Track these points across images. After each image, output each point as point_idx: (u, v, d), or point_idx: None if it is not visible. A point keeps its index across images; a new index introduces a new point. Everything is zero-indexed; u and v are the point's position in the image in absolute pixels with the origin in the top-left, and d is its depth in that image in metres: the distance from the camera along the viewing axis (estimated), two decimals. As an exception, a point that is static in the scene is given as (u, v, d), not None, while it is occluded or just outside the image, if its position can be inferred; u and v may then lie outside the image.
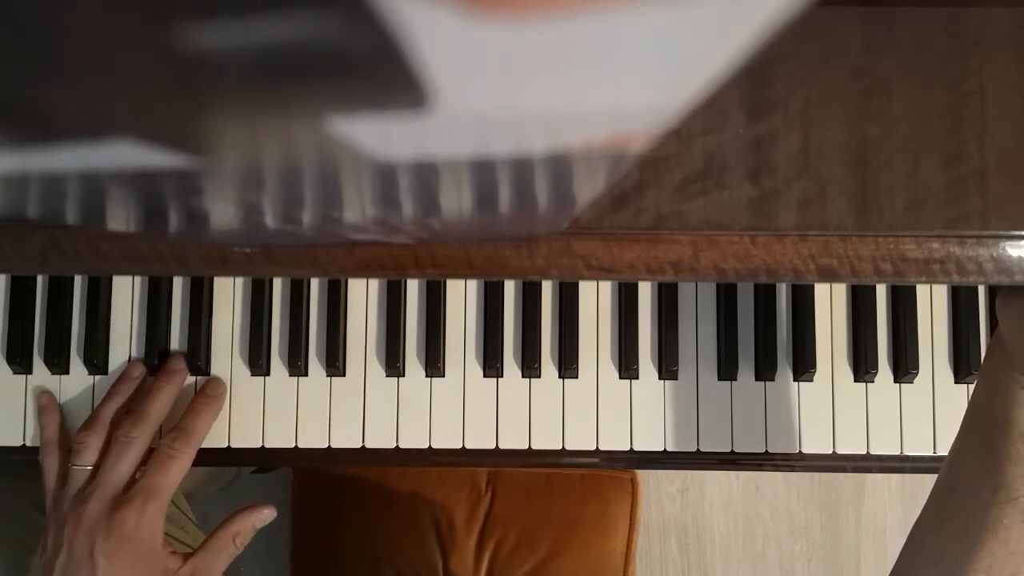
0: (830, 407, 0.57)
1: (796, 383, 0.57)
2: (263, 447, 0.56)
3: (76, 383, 0.57)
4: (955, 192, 0.40)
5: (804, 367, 0.57)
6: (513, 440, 0.56)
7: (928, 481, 0.45)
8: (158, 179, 0.18)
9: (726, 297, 0.57)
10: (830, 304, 0.58)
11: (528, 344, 0.57)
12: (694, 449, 0.57)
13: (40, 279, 0.57)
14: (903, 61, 0.40)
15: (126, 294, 0.57)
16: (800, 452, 0.57)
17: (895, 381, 0.57)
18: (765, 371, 0.57)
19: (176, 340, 0.57)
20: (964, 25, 0.39)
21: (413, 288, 0.58)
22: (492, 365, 0.56)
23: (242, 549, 0.54)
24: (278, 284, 0.58)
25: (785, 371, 0.57)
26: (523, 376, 0.57)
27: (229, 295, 0.57)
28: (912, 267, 0.42)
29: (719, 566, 1.23)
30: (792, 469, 0.57)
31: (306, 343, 0.57)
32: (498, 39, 0.09)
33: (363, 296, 0.57)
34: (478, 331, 0.57)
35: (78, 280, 0.57)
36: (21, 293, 0.57)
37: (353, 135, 0.14)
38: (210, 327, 0.57)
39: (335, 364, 0.56)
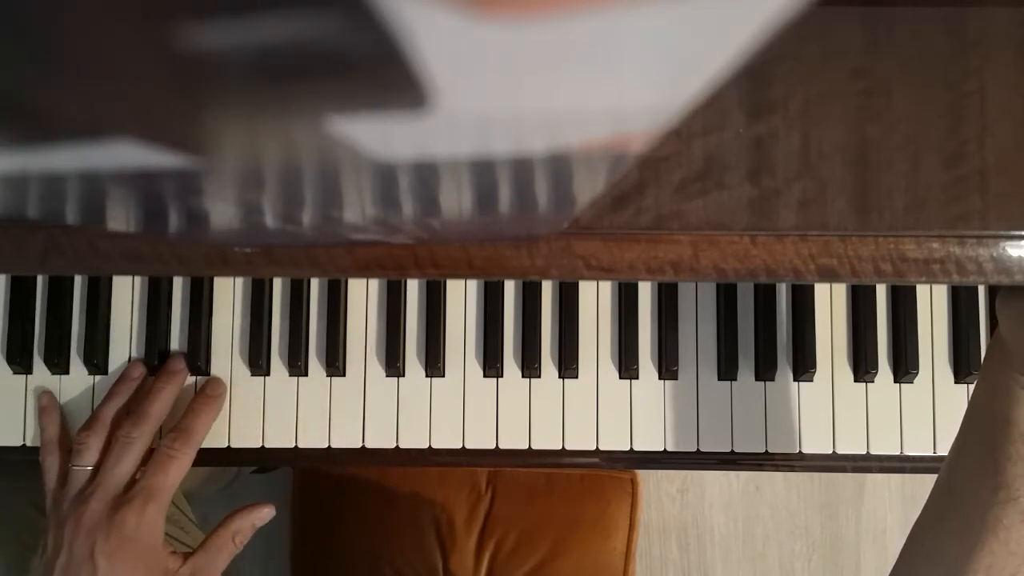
0: (830, 407, 0.57)
1: (796, 383, 0.57)
2: (263, 447, 0.56)
3: (76, 383, 0.57)
4: (955, 192, 0.40)
5: (804, 367, 0.57)
6: (513, 440, 0.56)
7: (928, 481, 0.45)
8: (158, 179, 0.18)
9: (726, 297, 0.57)
10: (830, 304, 0.58)
11: (528, 344, 0.57)
12: (694, 449, 0.57)
13: (40, 279, 0.57)
14: (903, 61, 0.40)
15: (126, 294, 0.57)
16: (800, 452, 0.57)
17: (895, 381, 0.57)
18: (765, 371, 0.57)
19: (176, 340, 0.57)
20: (964, 25, 0.39)
21: (413, 288, 0.58)
22: (492, 365, 0.56)
23: (242, 548, 0.54)
24: (278, 284, 0.58)
25: (785, 371, 0.57)
26: (523, 376, 0.57)
27: (229, 295, 0.57)
28: (912, 267, 0.42)
29: (719, 566, 1.23)
30: (792, 469, 0.57)
31: (306, 343, 0.57)
32: (498, 39, 0.09)
33: (363, 296, 0.57)
34: (478, 331, 0.57)
35: (78, 280, 0.57)
36: (21, 293, 0.57)
37: (353, 135, 0.14)
38: (210, 327, 0.57)
39: (335, 364, 0.56)
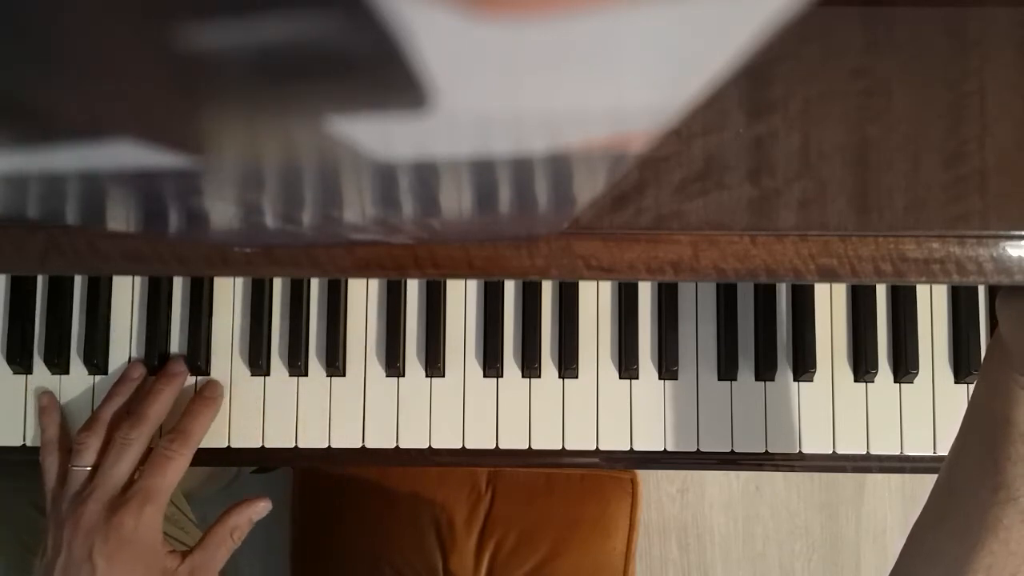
0: (830, 407, 0.57)
1: (796, 383, 0.57)
2: (263, 447, 0.56)
3: (76, 383, 0.57)
4: (955, 192, 0.40)
5: (804, 367, 0.57)
6: (513, 440, 0.56)
7: (928, 481, 0.45)
8: (158, 179, 0.18)
9: (726, 297, 0.57)
10: (830, 304, 0.58)
11: (528, 344, 0.57)
12: (694, 449, 0.57)
13: (40, 279, 0.57)
14: (903, 61, 0.40)
15: (126, 294, 0.57)
16: (800, 452, 0.57)
17: (895, 381, 0.57)
18: (765, 371, 0.57)
19: (176, 340, 0.57)
20: (964, 25, 0.39)
21: (413, 288, 0.58)
22: (492, 365, 0.56)
23: (240, 543, 0.54)
24: (278, 284, 0.58)
25: (785, 371, 0.57)
26: (523, 376, 0.57)
27: (229, 295, 0.57)
28: (912, 267, 0.42)
29: (719, 566, 1.23)
30: (792, 469, 0.57)
31: (306, 343, 0.57)
32: (498, 39, 0.09)
33: (363, 296, 0.57)
34: (478, 331, 0.57)
35: (78, 280, 0.57)
36: (21, 293, 0.57)
37: (353, 135, 0.14)
38: (210, 327, 0.57)
39: (335, 364, 0.56)
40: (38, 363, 0.57)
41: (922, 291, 0.57)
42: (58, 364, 0.56)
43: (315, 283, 0.58)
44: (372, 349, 0.57)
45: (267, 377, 0.57)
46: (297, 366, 0.56)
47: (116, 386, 0.55)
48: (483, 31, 0.09)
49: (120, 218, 0.28)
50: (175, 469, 0.51)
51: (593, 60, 0.11)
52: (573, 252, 0.43)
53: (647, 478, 1.17)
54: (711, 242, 0.42)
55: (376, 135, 0.14)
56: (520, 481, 0.76)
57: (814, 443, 0.57)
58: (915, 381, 0.57)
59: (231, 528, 0.53)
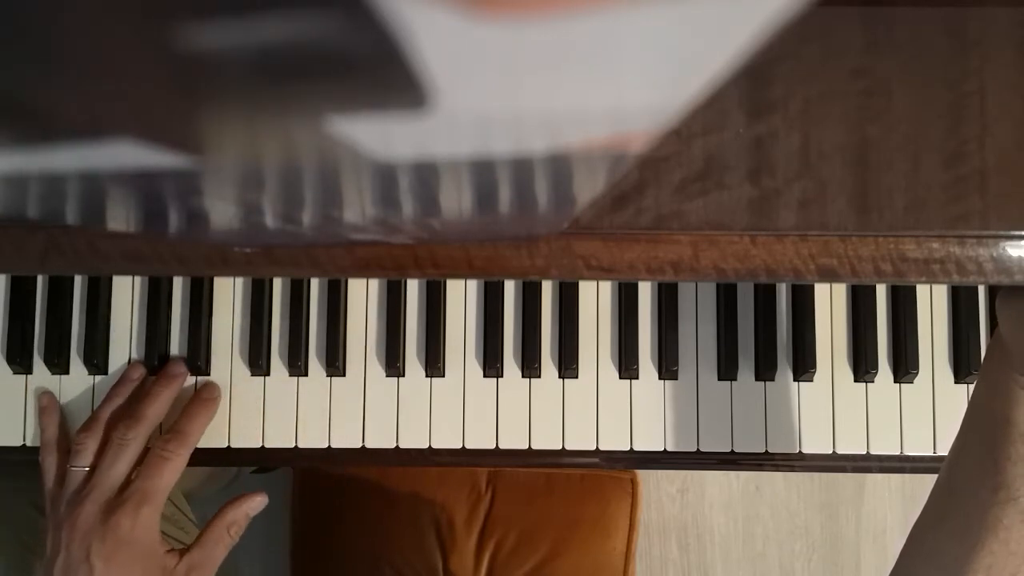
0: (830, 407, 0.57)
1: (796, 383, 0.57)
2: (263, 447, 0.56)
3: (76, 383, 0.57)
4: (955, 192, 0.40)
5: (804, 367, 0.57)
6: (513, 440, 0.56)
7: (928, 481, 0.45)
8: (158, 179, 0.18)
9: (726, 297, 0.57)
10: (830, 304, 0.58)
11: (528, 344, 0.57)
12: (694, 449, 0.57)
13: (40, 279, 0.57)
14: (903, 61, 0.40)
15: (126, 294, 0.57)
16: (800, 452, 0.57)
17: (895, 381, 0.57)
18: (765, 371, 0.57)
19: (176, 340, 0.57)
20: (964, 25, 0.39)
21: (413, 288, 0.58)
22: (492, 365, 0.56)
23: (237, 539, 0.54)
24: (278, 284, 0.58)
25: (785, 371, 0.57)
26: (523, 376, 0.57)
27: (229, 295, 0.57)
28: (912, 267, 0.42)
29: (719, 566, 1.23)
30: (792, 469, 0.57)
31: (306, 343, 0.57)
32: (498, 39, 0.09)
33: (363, 296, 0.57)
34: (478, 331, 0.57)
35: (78, 280, 0.57)
36: (21, 293, 0.57)
37: (353, 135, 0.14)
38: (210, 327, 0.57)
39: (335, 364, 0.56)
40: (38, 363, 0.57)
41: (922, 291, 0.57)
42: (58, 364, 0.56)
43: (315, 283, 0.58)
44: (372, 349, 0.57)
45: (267, 377, 0.57)
46: (297, 366, 0.56)
47: (116, 387, 0.55)
48: (483, 31, 0.09)
49: (120, 218, 0.28)
50: (172, 470, 0.51)
51: (593, 60, 0.11)
52: (573, 252, 0.43)
53: (647, 478, 1.17)
54: (711, 242, 0.42)
55: (376, 135, 0.14)
56: (520, 481, 0.76)
57: (814, 443, 0.57)
58: (915, 381, 0.57)
59: (228, 524, 0.53)
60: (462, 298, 0.58)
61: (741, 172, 0.40)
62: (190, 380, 0.56)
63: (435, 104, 0.12)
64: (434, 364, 0.56)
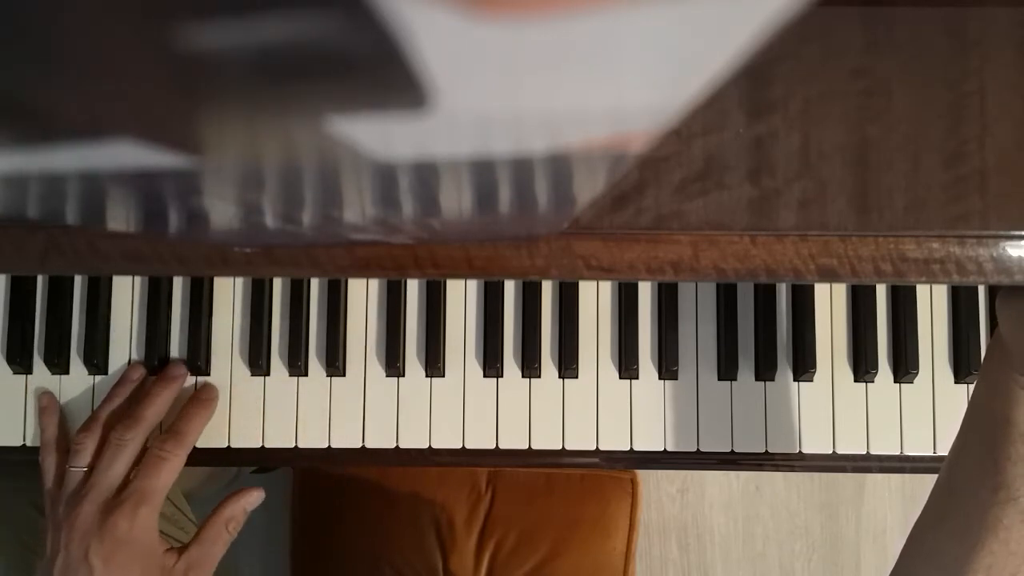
0: (830, 407, 0.57)
1: (796, 383, 0.57)
2: (263, 447, 0.56)
3: (76, 383, 0.57)
4: (955, 192, 0.40)
5: (804, 367, 0.57)
6: (513, 440, 0.56)
7: (928, 481, 0.45)
8: (158, 179, 0.18)
9: (726, 297, 0.57)
10: (830, 304, 0.58)
11: (528, 344, 0.57)
12: (694, 449, 0.57)
13: (40, 279, 0.57)
14: (903, 61, 0.40)
15: (126, 294, 0.57)
16: (800, 452, 0.57)
17: (895, 381, 0.57)
18: (765, 371, 0.57)
19: (176, 340, 0.57)
20: (964, 25, 0.39)
21: (413, 288, 0.58)
22: (492, 365, 0.56)
23: (236, 535, 0.53)
24: (278, 284, 0.58)
25: (785, 371, 0.57)
26: (523, 376, 0.57)
27: (229, 295, 0.57)
28: (912, 267, 0.42)
29: (719, 566, 1.23)
30: (792, 469, 0.57)
31: (306, 343, 0.57)
32: (498, 39, 0.09)
33: (363, 296, 0.57)
34: (478, 331, 0.57)
35: (78, 280, 0.57)
36: (21, 293, 0.57)
37: (353, 135, 0.14)
38: (210, 327, 0.57)
39: (335, 364, 0.56)
40: (38, 363, 0.57)
41: (922, 291, 0.57)
42: (58, 364, 0.56)
43: (315, 283, 0.58)
44: (372, 349, 0.57)
45: (267, 377, 0.57)
46: (297, 366, 0.56)
47: (116, 387, 0.55)
48: (483, 31, 0.09)
49: (120, 218, 0.28)
50: (169, 470, 0.51)
51: (593, 60, 0.11)
52: (573, 252, 0.43)
53: (647, 478, 1.17)
54: (711, 242, 0.42)
55: (376, 135, 0.14)
56: (520, 481, 0.76)
57: (814, 443, 0.57)
58: (915, 381, 0.57)
59: (226, 520, 0.53)
60: (462, 298, 0.58)
61: (741, 172, 0.40)
62: (190, 380, 0.56)
63: (435, 104, 0.12)
64: (434, 364, 0.56)
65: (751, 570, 1.23)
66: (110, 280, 0.57)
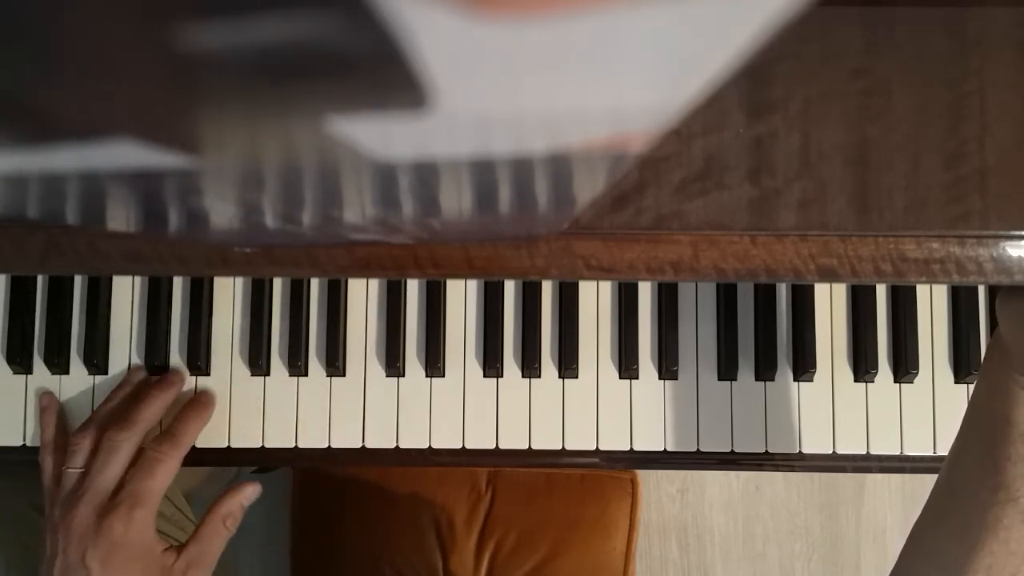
0: (830, 407, 0.57)
1: (796, 383, 0.57)
2: (263, 447, 0.56)
3: (76, 383, 0.57)
4: (955, 192, 0.40)
5: (804, 367, 0.57)
6: (513, 440, 0.56)
7: (928, 481, 0.45)
8: (158, 179, 0.18)
9: (726, 297, 0.57)
10: (830, 304, 0.58)
11: (528, 344, 0.57)
12: (694, 449, 0.57)
13: (40, 279, 0.57)
14: (903, 61, 0.40)
15: (126, 294, 0.57)
16: (800, 452, 0.57)
17: (895, 381, 0.57)
18: (765, 371, 0.57)
19: (176, 340, 0.57)
20: (964, 25, 0.39)
21: (413, 288, 0.58)
22: (492, 365, 0.56)
23: (234, 530, 0.53)
24: (278, 284, 0.58)
25: (785, 371, 0.57)
26: (523, 376, 0.57)
27: (229, 295, 0.57)
28: (912, 267, 0.42)
29: (719, 566, 1.23)
30: (792, 469, 0.57)
31: (306, 343, 0.57)
32: (498, 39, 0.09)
33: (363, 296, 0.57)
34: (478, 331, 0.57)
35: (78, 280, 0.57)
36: (21, 293, 0.57)
37: (353, 135, 0.14)
38: (210, 327, 0.57)
39: (335, 364, 0.56)
40: (38, 363, 0.57)
41: (922, 291, 0.57)
42: (58, 364, 0.56)
43: (315, 283, 0.58)
44: (372, 349, 0.57)
45: (267, 377, 0.57)
46: (297, 366, 0.56)
47: (115, 390, 0.55)
48: (483, 31, 0.09)
49: (120, 218, 0.28)
50: (164, 472, 0.51)
51: (593, 60, 0.11)
52: (573, 252, 0.43)
53: (647, 478, 1.17)
54: (711, 242, 0.42)
55: (376, 135, 0.14)
56: (520, 481, 0.76)
57: (814, 443, 0.57)
58: (915, 381, 0.57)
59: (223, 516, 0.53)
60: (462, 298, 0.58)
61: (741, 172, 0.40)
62: (189, 384, 0.56)
63: (435, 104, 0.12)
64: (434, 364, 0.56)
65: (751, 570, 1.23)
66: (110, 280, 0.57)
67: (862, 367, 0.56)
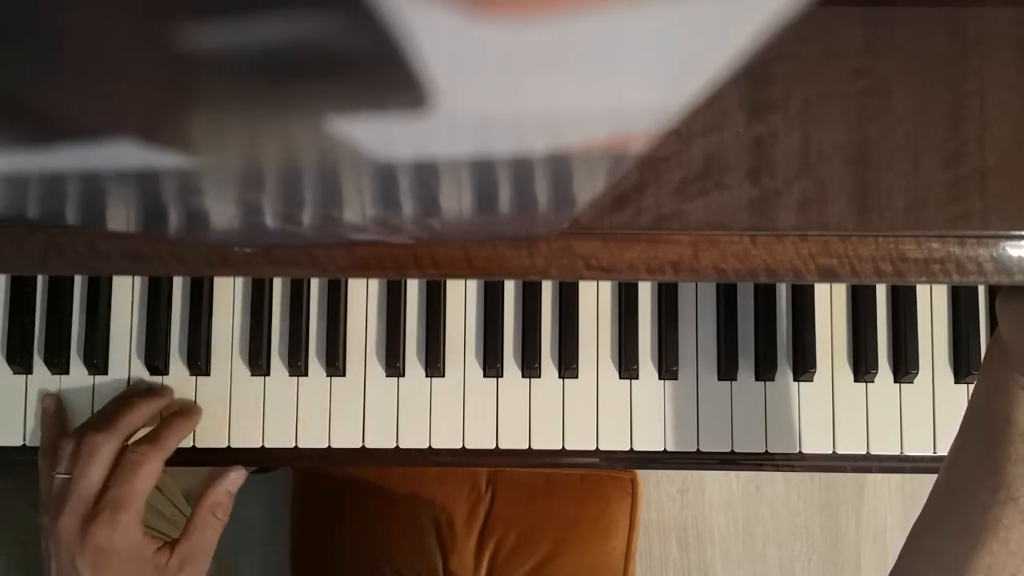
0: (830, 407, 0.57)
1: (796, 383, 0.57)
2: (263, 447, 0.56)
3: (76, 383, 0.57)
4: (955, 192, 0.40)
5: (804, 367, 0.57)
6: (513, 440, 0.56)
7: (928, 481, 0.45)
8: (158, 179, 0.18)
9: (726, 297, 0.57)
10: (830, 304, 0.58)
11: (528, 344, 0.57)
12: (694, 449, 0.57)
13: (40, 279, 0.57)
14: (903, 61, 0.40)
15: (126, 294, 0.57)
16: (800, 452, 0.57)
17: (895, 381, 0.57)
18: (765, 371, 0.57)
19: (176, 340, 0.57)
20: (964, 25, 0.39)
21: (413, 288, 0.58)
22: (492, 365, 0.56)
23: (226, 519, 0.53)
24: (278, 284, 0.58)
25: (785, 371, 0.57)
26: (523, 376, 0.57)
27: (229, 295, 0.57)
28: (912, 267, 0.42)
29: (719, 566, 1.23)
30: (792, 469, 0.57)
31: (306, 343, 0.57)
32: (498, 39, 0.09)
33: (363, 296, 0.57)
34: (478, 331, 0.57)
35: (78, 280, 0.57)
36: (21, 293, 0.57)
37: (353, 135, 0.14)
38: (210, 327, 0.57)
39: (335, 364, 0.56)
40: (38, 363, 0.57)
41: (922, 291, 0.57)
42: (58, 364, 0.56)
43: (315, 283, 0.58)
44: (372, 349, 0.57)
45: (267, 377, 0.57)
46: (297, 366, 0.56)
47: (111, 400, 0.55)
48: (483, 31, 0.09)
49: (120, 218, 0.28)
50: (145, 474, 0.50)
51: (593, 60, 0.11)
52: (573, 252, 0.43)
53: (647, 478, 1.17)
54: (711, 242, 0.42)
55: (376, 135, 0.14)
56: (520, 481, 0.76)
57: (814, 443, 0.57)
58: (915, 381, 0.57)
59: (211, 507, 0.52)
60: (462, 298, 0.58)
61: (741, 172, 0.40)
62: (190, 382, 0.56)
63: (435, 104, 0.12)
64: (434, 364, 0.56)
65: (751, 570, 1.23)
66: (110, 280, 0.57)
67: (862, 367, 0.56)
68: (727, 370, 0.57)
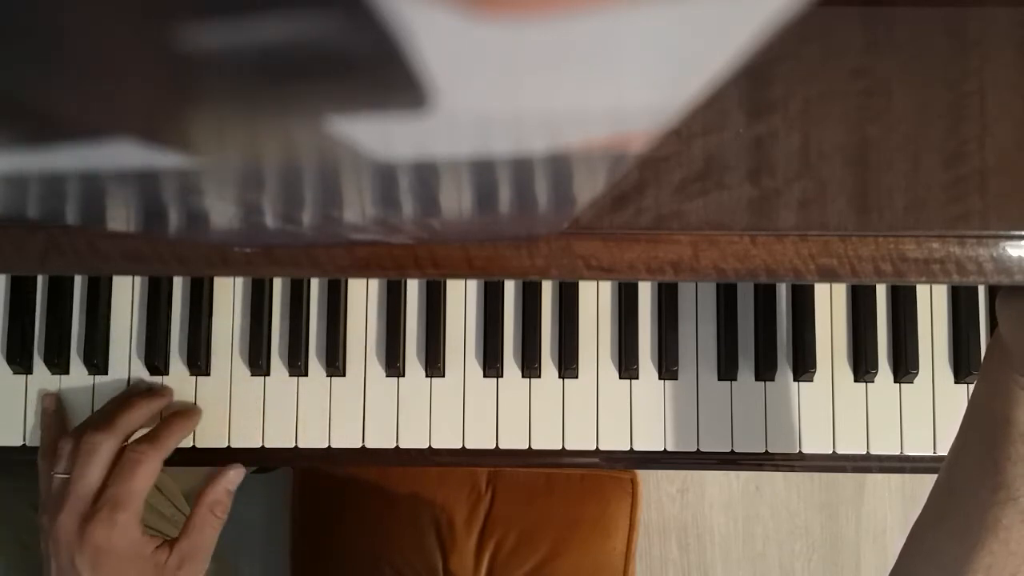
0: (830, 407, 0.57)
1: (796, 383, 0.57)
2: (263, 447, 0.56)
3: (76, 383, 0.57)
4: (955, 192, 0.40)
5: (804, 367, 0.57)
6: (513, 440, 0.56)
7: (928, 481, 0.45)
8: (158, 179, 0.18)
9: (726, 297, 0.57)
10: (830, 304, 0.58)
11: (528, 344, 0.57)
12: (694, 449, 0.57)
13: (40, 279, 0.57)
14: (903, 61, 0.40)
15: (126, 294, 0.57)
16: (800, 452, 0.57)
17: (895, 381, 0.57)
18: (765, 371, 0.57)
19: (176, 340, 0.57)
20: (964, 25, 0.39)
21: (413, 288, 0.58)
22: (492, 365, 0.56)
23: (225, 517, 0.53)
24: (278, 284, 0.58)
25: (785, 371, 0.57)
26: (523, 376, 0.57)
27: (229, 295, 0.57)
28: (912, 267, 0.42)
29: (719, 566, 1.23)
30: (792, 469, 0.57)
31: (306, 343, 0.57)
32: (498, 39, 0.09)
33: (363, 296, 0.57)
34: (478, 331, 0.57)
35: (78, 280, 0.57)
36: (21, 293, 0.57)
37: (353, 135, 0.14)
38: (210, 327, 0.57)
39: (335, 364, 0.56)
40: (38, 363, 0.57)
41: (922, 291, 0.57)
42: (58, 364, 0.56)
43: (315, 283, 0.58)
44: (372, 349, 0.57)
45: (267, 377, 0.57)
46: (297, 366, 0.56)
47: (110, 401, 0.55)
48: (483, 31, 0.09)
49: (120, 218, 0.28)
50: (144, 473, 0.50)
51: (593, 60, 0.11)
52: (573, 252, 0.43)
53: (647, 478, 1.17)
54: (711, 242, 0.42)
55: (376, 135, 0.14)
56: (520, 481, 0.76)
57: (814, 443, 0.57)
58: (915, 381, 0.57)
59: (210, 505, 0.52)
60: (462, 298, 0.58)
61: (741, 172, 0.40)
62: (190, 382, 0.56)
63: (435, 104, 0.12)
64: (434, 364, 0.56)
65: (751, 570, 1.23)
66: (110, 280, 0.57)
67: (862, 367, 0.56)
68: (727, 370, 0.57)
